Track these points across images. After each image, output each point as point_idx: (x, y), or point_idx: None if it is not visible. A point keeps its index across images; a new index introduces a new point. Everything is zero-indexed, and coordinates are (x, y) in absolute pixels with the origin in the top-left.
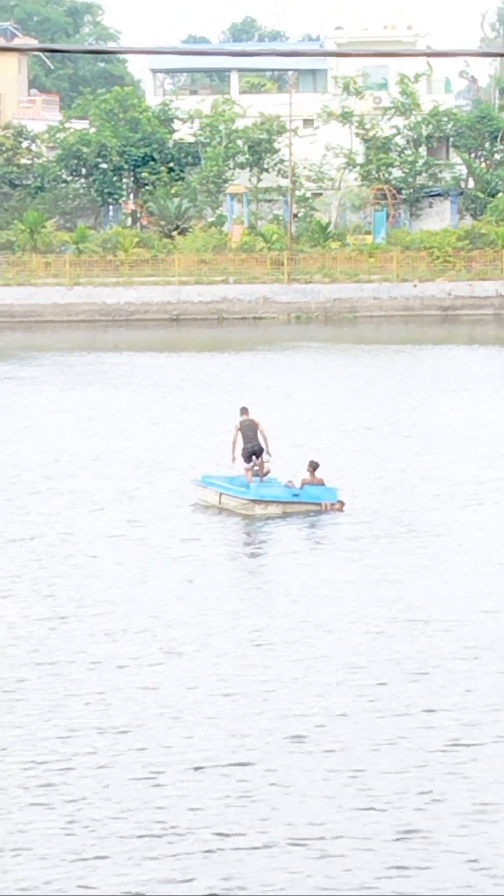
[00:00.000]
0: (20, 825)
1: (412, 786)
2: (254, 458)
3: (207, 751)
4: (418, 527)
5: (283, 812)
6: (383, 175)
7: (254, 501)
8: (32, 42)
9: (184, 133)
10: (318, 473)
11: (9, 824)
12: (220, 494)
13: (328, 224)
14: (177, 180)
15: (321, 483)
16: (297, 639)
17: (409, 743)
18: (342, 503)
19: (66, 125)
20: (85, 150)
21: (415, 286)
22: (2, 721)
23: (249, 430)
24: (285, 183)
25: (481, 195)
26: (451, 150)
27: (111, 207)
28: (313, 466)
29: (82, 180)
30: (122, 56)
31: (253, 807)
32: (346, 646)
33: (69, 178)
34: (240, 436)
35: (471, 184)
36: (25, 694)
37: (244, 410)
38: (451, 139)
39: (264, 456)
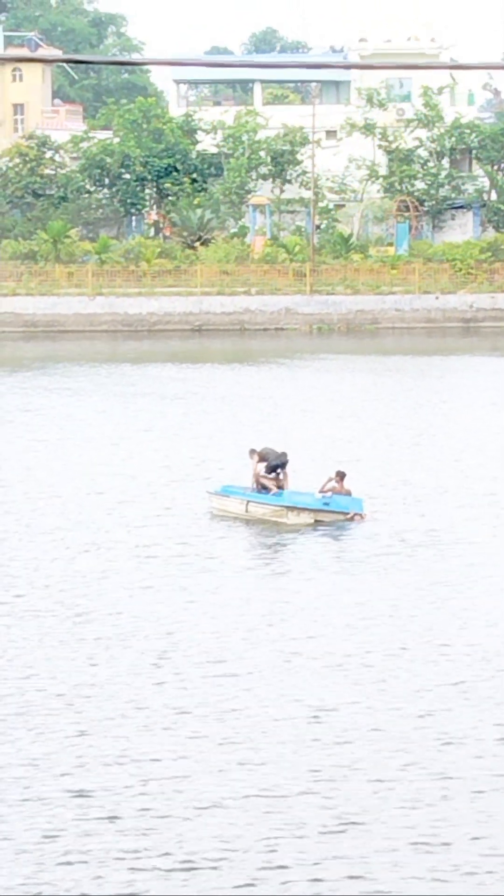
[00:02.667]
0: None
1: (427, 800)
2: (278, 470)
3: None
4: (442, 540)
5: (284, 812)
6: (406, 187)
7: (287, 508)
8: (56, 53)
9: (207, 144)
10: (345, 484)
11: (8, 824)
12: (248, 503)
13: (350, 236)
14: (199, 191)
15: (348, 493)
16: (318, 653)
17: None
18: (363, 515)
19: (90, 135)
20: (108, 160)
21: (437, 298)
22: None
23: (271, 451)
24: (308, 194)
25: None
26: (474, 162)
27: (134, 218)
28: (340, 476)
29: (105, 190)
30: (145, 67)
31: (260, 811)
32: (369, 667)
33: (92, 189)
34: (261, 464)
35: (493, 196)
36: (44, 698)
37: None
38: (474, 151)
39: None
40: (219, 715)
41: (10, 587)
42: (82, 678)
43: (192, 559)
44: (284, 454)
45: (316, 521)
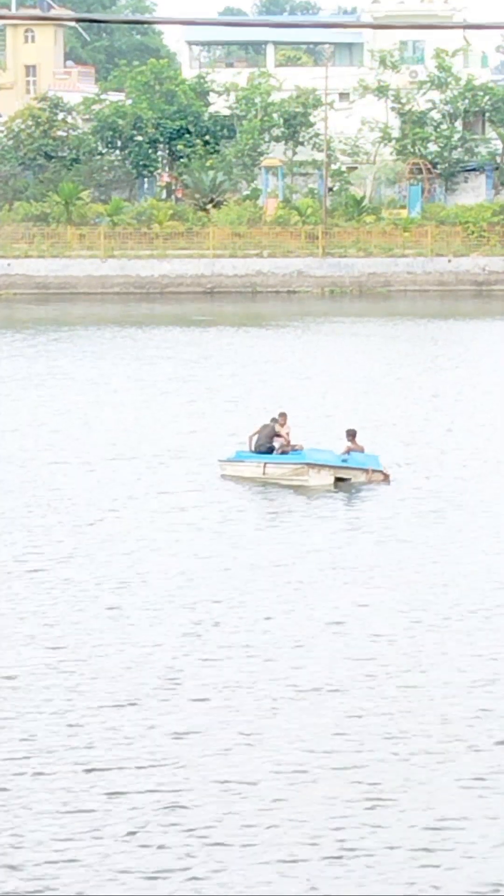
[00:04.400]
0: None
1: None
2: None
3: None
4: (457, 502)
5: (285, 813)
6: (419, 149)
7: (308, 465)
8: (69, 13)
9: (219, 106)
10: (357, 441)
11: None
12: (265, 465)
13: (363, 198)
14: (212, 153)
15: (362, 450)
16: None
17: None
18: (387, 475)
19: (102, 97)
20: (120, 122)
21: (449, 261)
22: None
23: (265, 434)
24: (320, 157)
25: None
26: (487, 124)
27: (146, 180)
28: (352, 434)
29: (117, 152)
30: (157, 28)
31: (263, 810)
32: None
33: (104, 151)
34: (256, 437)
35: None
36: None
37: (278, 418)
38: (487, 114)
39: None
40: (234, 691)
41: (25, 555)
42: (93, 650)
43: (212, 524)
44: (270, 443)
45: (336, 479)
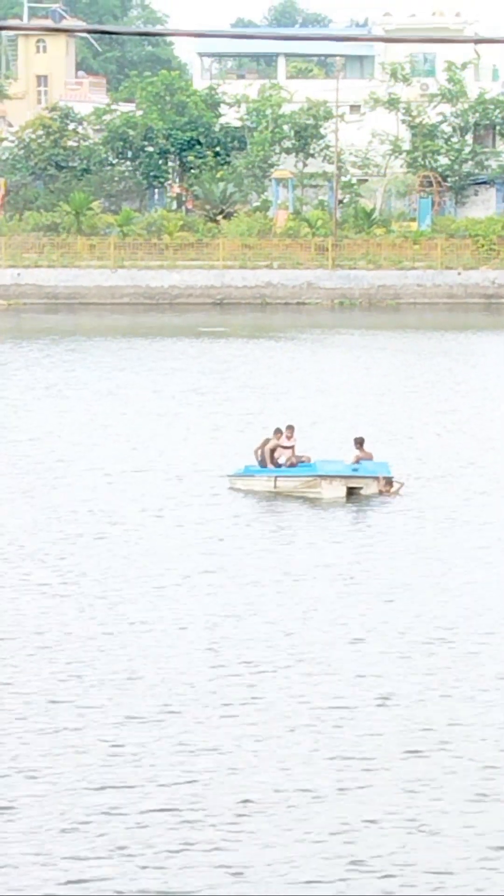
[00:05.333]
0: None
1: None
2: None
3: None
4: (469, 515)
5: (286, 814)
6: (429, 162)
7: (321, 477)
8: (80, 24)
9: (230, 117)
10: (365, 448)
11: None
12: (276, 478)
13: (373, 210)
14: (222, 164)
15: (370, 457)
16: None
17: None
18: (398, 485)
19: (113, 108)
20: (131, 132)
21: (459, 274)
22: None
23: (268, 449)
24: (331, 169)
25: None
26: (498, 137)
27: (156, 191)
28: (360, 442)
29: (128, 163)
30: (169, 39)
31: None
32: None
33: (115, 161)
34: (259, 451)
35: None
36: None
37: (285, 431)
38: (498, 127)
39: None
40: (245, 703)
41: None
42: (101, 665)
43: (224, 538)
44: (273, 455)
45: (348, 489)
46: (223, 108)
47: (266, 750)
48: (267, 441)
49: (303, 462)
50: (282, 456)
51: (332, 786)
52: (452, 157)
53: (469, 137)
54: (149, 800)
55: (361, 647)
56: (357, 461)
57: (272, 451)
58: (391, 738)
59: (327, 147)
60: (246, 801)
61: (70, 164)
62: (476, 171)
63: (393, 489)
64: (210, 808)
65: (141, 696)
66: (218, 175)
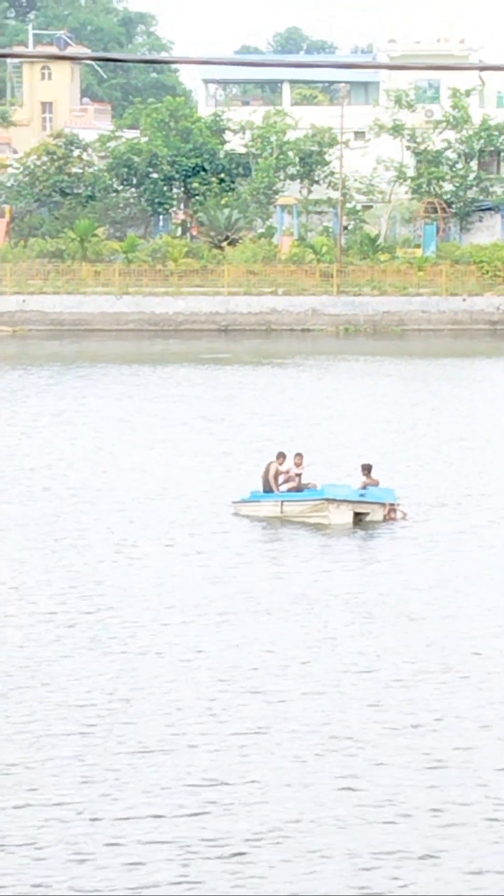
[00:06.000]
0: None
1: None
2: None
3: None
4: (471, 543)
5: (294, 844)
6: (434, 188)
7: (328, 500)
8: (85, 51)
9: (235, 144)
10: (372, 475)
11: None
12: (282, 503)
13: (378, 237)
14: (227, 191)
15: (377, 483)
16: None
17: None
18: (404, 513)
19: (118, 134)
20: (136, 159)
21: (464, 300)
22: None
23: (271, 475)
24: (336, 195)
25: None
26: (503, 164)
27: (161, 217)
28: (367, 468)
29: (133, 189)
30: (174, 66)
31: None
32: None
33: (120, 188)
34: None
35: None
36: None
37: (293, 458)
38: (503, 153)
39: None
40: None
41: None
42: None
43: (229, 565)
44: (269, 485)
45: (355, 514)
46: (228, 135)
47: (275, 779)
48: (270, 465)
49: (309, 489)
50: (285, 485)
51: (341, 816)
52: (457, 184)
53: (474, 164)
54: (155, 831)
55: (373, 676)
56: (364, 487)
57: (275, 475)
58: (402, 768)
59: (332, 173)
60: (254, 831)
61: (75, 190)
62: (481, 197)
63: (398, 516)
64: (216, 839)
65: (148, 724)
66: (223, 201)
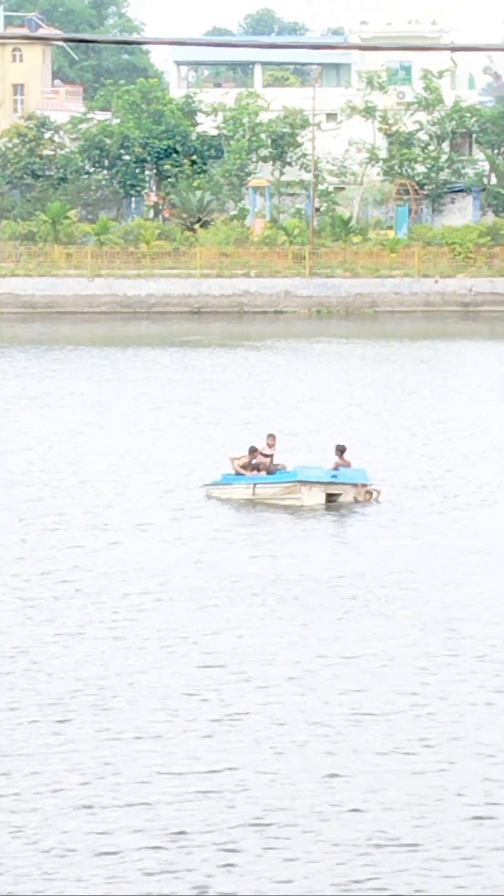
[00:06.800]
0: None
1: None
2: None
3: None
4: (445, 523)
5: (280, 833)
6: (406, 170)
7: (301, 483)
8: (57, 33)
9: (207, 126)
10: (345, 456)
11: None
12: (254, 486)
13: (350, 219)
14: (199, 173)
15: (349, 465)
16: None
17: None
18: (376, 492)
19: (89, 116)
20: (108, 141)
21: (436, 282)
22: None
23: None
24: (308, 177)
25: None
26: (474, 145)
27: (133, 199)
28: (341, 450)
29: (105, 172)
30: (145, 48)
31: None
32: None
33: (92, 170)
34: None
35: (493, 180)
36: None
37: (266, 439)
38: (475, 135)
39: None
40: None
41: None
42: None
43: (203, 548)
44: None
45: (328, 496)
46: (200, 117)
47: (258, 768)
48: (241, 458)
49: (279, 470)
50: (260, 465)
51: (326, 804)
52: (429, 166)
53: (446, 145)
54: (137, 819)
55: (351, 661)
56: (336, 468)
57: (243, 466)
58: (389, 755)
59: (304, 155)
60: (238, 820)
61: (46, 172)
62: (453, 179)
63: (371, 497)
64: (200, 829)
65: (125, 712)
66: (195, 184)
